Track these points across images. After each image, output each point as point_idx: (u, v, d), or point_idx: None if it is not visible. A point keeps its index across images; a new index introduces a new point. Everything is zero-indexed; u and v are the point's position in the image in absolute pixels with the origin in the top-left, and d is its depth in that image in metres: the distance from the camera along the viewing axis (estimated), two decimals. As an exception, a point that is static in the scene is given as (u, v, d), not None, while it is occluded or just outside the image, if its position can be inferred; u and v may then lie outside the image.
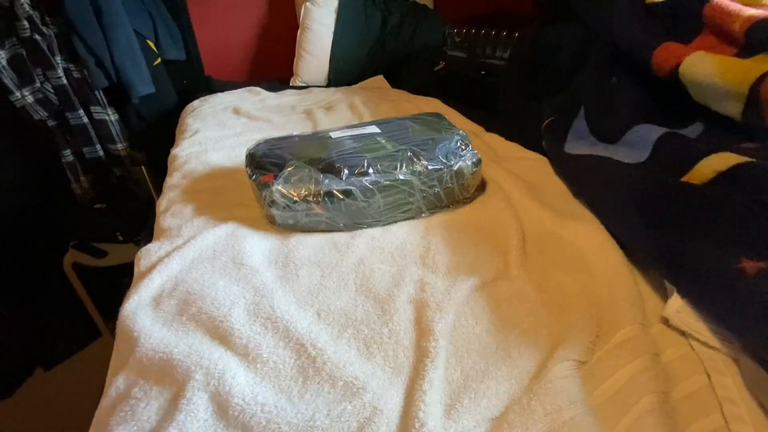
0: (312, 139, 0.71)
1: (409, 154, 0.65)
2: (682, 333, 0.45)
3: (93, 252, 1.27)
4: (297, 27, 1.65)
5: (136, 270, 0.60)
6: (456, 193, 0.69)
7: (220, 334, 0.48)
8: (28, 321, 1.35)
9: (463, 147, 0.69)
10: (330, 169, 0.62)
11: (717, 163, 0.51)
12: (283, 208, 0.62)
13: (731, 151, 0.51)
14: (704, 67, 0.59)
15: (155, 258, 0.61)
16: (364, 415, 0.39)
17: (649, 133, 0.65)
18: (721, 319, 0.42)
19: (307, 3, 1.59)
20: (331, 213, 0.63)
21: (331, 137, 0.70)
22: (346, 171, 0.62)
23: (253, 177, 0.66)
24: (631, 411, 0.38)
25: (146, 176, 1.45)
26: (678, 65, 0.62)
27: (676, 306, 0.45)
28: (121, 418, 0.40)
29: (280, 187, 0.61)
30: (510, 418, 0.38)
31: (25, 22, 1.17)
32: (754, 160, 0.48)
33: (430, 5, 1.79)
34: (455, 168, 0.66)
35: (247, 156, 0.70)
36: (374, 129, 0.73)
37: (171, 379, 0.43)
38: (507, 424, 0.38)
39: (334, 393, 0.41)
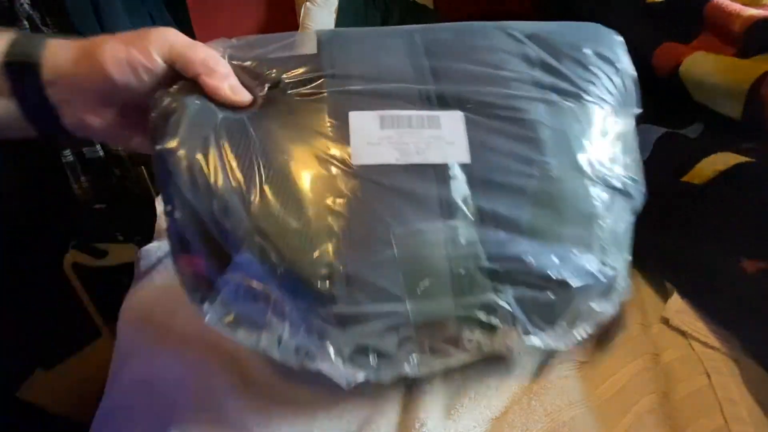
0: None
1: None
2: (682, 333, 0.45)
3: (93, 252, 1.26)
4: (297, 27, 1.64)
5: (136, 270, 0.60)
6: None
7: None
8: (28, 321, 1.35)
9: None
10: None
11: (717, 162, 0.51)
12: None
13: (731, 151, 0.51)
14: (704, 67, 0.59)
15: (155, 258, 0.61)
16: (364, 415, 0.39)
17: (649, 133, 0.65)
18: (721, 319, 0.42)
19: (307, 3, 1.59)
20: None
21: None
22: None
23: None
24: (631, 411, 0.38)
25: (146, 176, 1.45)
26: (678, 65, 0.62)
27: (676, 306, 0.45)
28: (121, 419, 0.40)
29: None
30: (510, 418, 0.38)
31: (25, 22, 1.17)
32: (754, 160, 0.48)
33: (430, 5, 1.79)
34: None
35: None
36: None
37: (171, 379, 0.43)
38: (507, 424, 0.38)
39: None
